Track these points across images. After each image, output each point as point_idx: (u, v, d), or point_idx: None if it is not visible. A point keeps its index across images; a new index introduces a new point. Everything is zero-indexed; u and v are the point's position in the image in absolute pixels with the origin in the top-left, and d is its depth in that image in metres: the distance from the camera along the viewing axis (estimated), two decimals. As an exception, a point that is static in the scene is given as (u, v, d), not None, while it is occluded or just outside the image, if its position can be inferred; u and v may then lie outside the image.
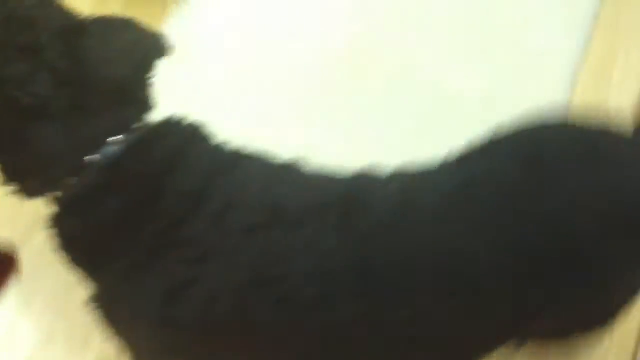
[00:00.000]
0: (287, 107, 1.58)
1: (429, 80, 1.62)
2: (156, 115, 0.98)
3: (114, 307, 0.97)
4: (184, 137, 0.96)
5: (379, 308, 0.88)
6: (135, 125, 0.93)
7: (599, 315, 1.06)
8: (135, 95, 0.95)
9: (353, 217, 0.91)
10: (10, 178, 0.93)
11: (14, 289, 1.34)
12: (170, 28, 1.68)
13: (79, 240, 0.94)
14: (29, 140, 0.88)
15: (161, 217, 0.89)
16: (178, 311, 0.89)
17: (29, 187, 0.94)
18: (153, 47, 0.97)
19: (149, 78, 0.96)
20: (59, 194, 0.92)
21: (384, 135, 1.54)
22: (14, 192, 0.94)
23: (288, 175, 0.98)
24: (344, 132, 1.53)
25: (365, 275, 0.87)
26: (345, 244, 0.88)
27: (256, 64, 1.65)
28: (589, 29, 1.69)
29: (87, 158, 0.89)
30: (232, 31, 1.71)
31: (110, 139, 0.90)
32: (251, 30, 1.71)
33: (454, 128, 1.37)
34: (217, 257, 0.89)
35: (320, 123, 1.56)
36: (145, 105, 0.97)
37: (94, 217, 0.90)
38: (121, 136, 0.90)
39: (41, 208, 0.95)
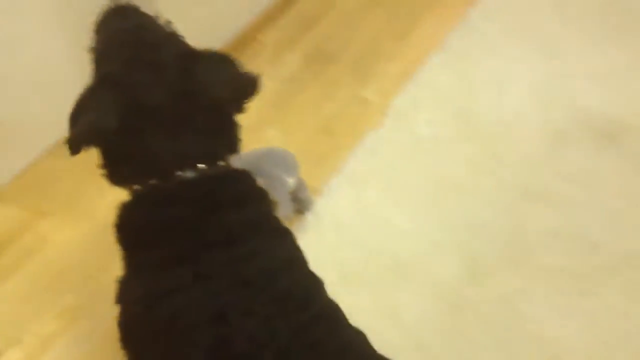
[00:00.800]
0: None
1: (534, 335, 1.60)
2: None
3: (125, 290, 1.11)
4: (252, 190, 1.16)
5: None
6: (220, 163, 1.13)
7: None
8: (229, 130, 1.16)
9: (321, 322, 1.04)
10: (106, 163, 1.12)
11: None
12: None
13: (133, 226, 1.12)
14: (140, 135, 1.07)
15: (200, 237, 1.05)
16: (158, 308, 1.03)
17: (117, 175, 1.12)
18: (250, 82, 1.14)
19: (244, 105, 1.15)
20: (138, 187, 1.10)
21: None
22: (103, 176, 1.13)
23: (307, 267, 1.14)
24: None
25: None
26: (295, 335, 1.00)
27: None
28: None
29: (176, 171, 1.07)
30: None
31: (198, 165, 1.09)
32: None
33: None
34: (216, 282, 1.03)
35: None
36: (233, 145, 1.16)
37: (157, 213, 1.08)
38: (205, 166, 1.10)
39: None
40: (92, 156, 1.86)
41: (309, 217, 1.81)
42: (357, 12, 2.50)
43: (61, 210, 1.79)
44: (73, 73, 1.77)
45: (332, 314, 1.09)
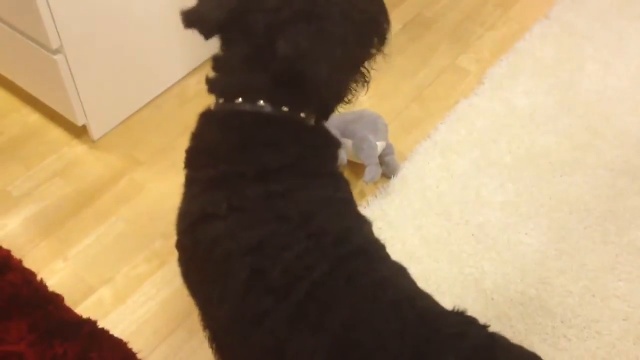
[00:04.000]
0: None
1: (620, 313, 1.54)
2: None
3: (182, 211, 1.13)
4: (298, 136, 1.12)
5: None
6: (284, 108, 1.10)
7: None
8: (308, 89, 1.10)
9: (359, 257, 1.03)
10: (213, 66, 1.15)
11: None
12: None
13: (194, 147, 1.14)
14: (227, 50, 1.12)
15: (236, 166, 1.06)
16: (200, 231, 1.06)
17: (212, 83, 1.14)
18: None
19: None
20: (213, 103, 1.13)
21: None
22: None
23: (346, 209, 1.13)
24: None
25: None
26: (331, 268, 0.99)
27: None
28: None
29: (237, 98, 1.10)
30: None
31: (259, 102, 1.09)
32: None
33: None
34: (249, 214, 1.03)
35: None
36: (309, 102, 1.13)
37: (207, 133, 1.12)
38: (263, 103, 1.09)
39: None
40: (183, 113, 1.94)
41: (395, 181, 1.81)
42: (462, -20, 2.45)
43: (156, 161, 1.86)
44: (174, 32, 1.85)
45: (373, 250, 1.08)
